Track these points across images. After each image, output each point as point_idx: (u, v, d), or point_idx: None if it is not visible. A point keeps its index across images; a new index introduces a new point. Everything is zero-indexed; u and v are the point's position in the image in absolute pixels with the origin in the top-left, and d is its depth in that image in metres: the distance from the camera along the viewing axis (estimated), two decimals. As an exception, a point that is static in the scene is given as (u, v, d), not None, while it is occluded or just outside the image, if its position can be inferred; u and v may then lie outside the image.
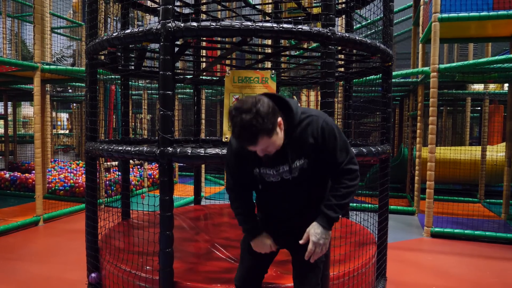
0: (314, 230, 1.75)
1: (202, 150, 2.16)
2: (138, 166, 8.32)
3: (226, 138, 2.30)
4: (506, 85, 7.68)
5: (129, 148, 2.37)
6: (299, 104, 1.82)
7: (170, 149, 2.17)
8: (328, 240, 1.77)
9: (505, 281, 3.41)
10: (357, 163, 1.81)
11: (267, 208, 1.99)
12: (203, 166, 6.92)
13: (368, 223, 3.20)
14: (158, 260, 2.22)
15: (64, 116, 20.11)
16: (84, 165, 8.45)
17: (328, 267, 2.29)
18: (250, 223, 1.92)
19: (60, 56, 13.46)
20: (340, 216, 1.82)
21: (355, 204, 3.98)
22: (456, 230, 4.68)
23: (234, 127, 1.60)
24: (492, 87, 8.01)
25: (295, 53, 4.27)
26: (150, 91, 7.59)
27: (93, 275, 2.80)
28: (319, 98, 2.25)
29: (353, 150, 1.85)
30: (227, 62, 5.52)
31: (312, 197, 1.86)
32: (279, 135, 1.66)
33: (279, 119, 1.65)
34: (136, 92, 7.81)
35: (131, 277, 2.42)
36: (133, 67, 3.46)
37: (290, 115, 1.71)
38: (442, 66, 4.77)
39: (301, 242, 1.78)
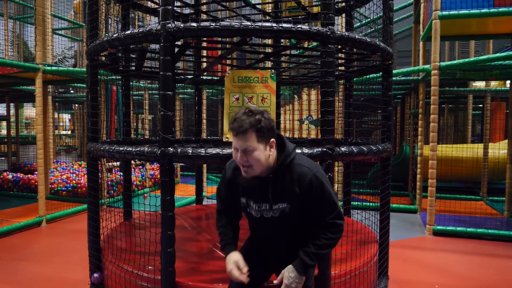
0: (288, 274, 1.78)
1: (202, 150, 2.17)
2: (140, 167, 8.34)
3: (227, 138, 2.30)
4: (508, 82, 7.66)
5: (130, 149, 2.38)
6: (297, 150, 1.83)
7: (171, 149, 2.18)
8: (300, 284, 1.78)
9: (508, 279, 3.41)
10: (343, 217, 1.81)
11: (255, 236, 2.03)
12: (204, 166, 6.93)
13: (370, 221, 3.20)
14: (160, 260, 2.22)
15: (66, 116, 20.16)
16: (86, 166, 8.49)
17: (330, 266, 2.30)
18: (226, 240, 1.92)
19: (61, 57, 13.50)
20: (313, 268, 1.84)
21: (356, 203, 3.97)
22: (458, 228, 4.67)
23: (236, 114, 1.65)
24: (493, 84, 7.98)
25: (296, 52, 4.27)
26: (151, 91, 7.60)
27: (95, 275, 2.81)
28: (320, 97, 2.25)
29: (340, 207, 1.83)
30: (228, 62, 5.53)
31: (293, 237, 1.88)
32: (265, 153, 1.68)
33: (273, 139, 1.69)
34: (137, 92, 7.82)
35: (133, 277, 2.43)
36: (133, 68, 3.47)
37: (282, 152, 1.75)
38: (443, 63, 4.76)
39: (275, 282, 1.82)
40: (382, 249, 2.98)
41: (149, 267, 2.44)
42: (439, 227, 4.74)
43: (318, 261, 1.83)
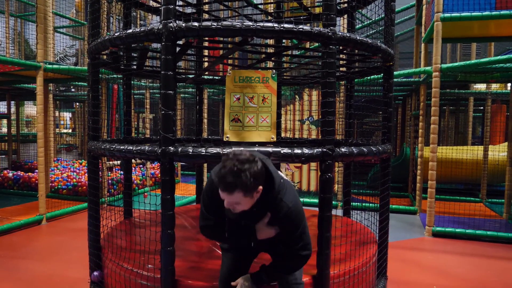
0: (243, 281, 1.93)
1: (203, 150, 2.17)
2: (141, 166, 8.35)
3: (227, 137, 2.31)
4: (509, 84, 7.66)
5: (131, 148, 2.38)
6: (281, 180, 1.87)
7: (172, 149, 2.18)
8: None
9: (506, 281, 3.41)
10: (311, 248, 1.92)
11: (233, 235, 2.03)
12: (205, 165, 6.94)
13: (369, 222, 3.21)
14: (160, 259, 2.23)
15: (67, 115, 20.19)
16: (87, 164, 8.50)
17: (329, 266, 2.30)
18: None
19: (63, 55, 13.51)
20: (269, 283, 1.98)
21: (356, 204, 3.98)
22: (457, 230, 4.68)
23: (222, 168, 1.67)
24: (494, 87, 7.98)
25: (298, 53, 4.27)
26: (152, 91, 7.61)
27: (95, 273, 2.82)
28: (321, 98, 2.26)
29: (309, 239, 1.94)
30: (229, 61, 5.53)
31: (272, 244, 2.00)
32: (252, 200, 1.75)
33: (260, 187, 1.73)
34: (139, 91, 7.84)
35: (133, 275, 2.44)
36: (135, 67, 3.48)
37: (269, 188, 1.79)
38: (444, 65, 4.76)
39: (233, 283, 1.95)
40: (381, 250, 2.99)
41: (149, 266, 2.45)
42: (438, 229, 4.74)
43: (274, 280, 1.97)
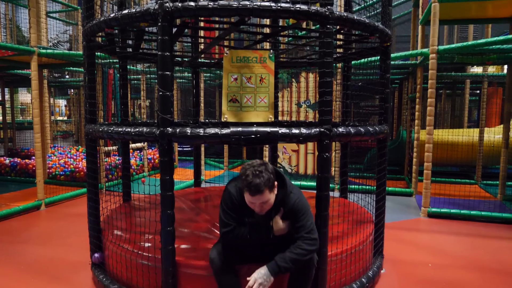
0: (259, 270, 2.06)
1: (201, 130, 2.18)
2: (138, 151, 8.35)
3: (225, 118, 2.31)
4: (505, 67, 7.67)
5: (129, 129, 2.39)
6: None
7: (170, 130, 2.19)
8: (266, 284, 2.04)
9: (499, 259, 3.48)
10: (316, 234, 2.18)
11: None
12: (202, 150, 6.95)
13: (366, 202, 3.25)
14: (160, 239, 2.26)
15: (62, 102, 20.05)
16: (84, 151, 8.48)
17: (326, 244, 2.34)
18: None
19: (56, 41, 13.34)
20: (283, 270, 2.08)
21: (354, 186, 4.02)
22: (452, 210, 4.74)
23: (245, 177, 1.99)
24: (491, 70, 7.99)
25: (299, 33, 4.23)
26: (148, 76, 7.56)
27: (96, 255, 2.85)
28: (318, 80, 2.26)
29: (314, 226, 2.21)
30: (225, 43, 5.49)
31: (280, 243, 2.18)
32: (273, 196, 2.07)
33: (276, 182, 2.08)
34: (134, 77, 7.78)
35: (134, 256, 2.48)
36: (130, 50, 3.45)
37: (282, 185, 2.16)
38: (441, 47, 4.75)
39: (248, 278, 2.06)
40: (377, 229, 3.04)
41: (149, 245, 2.48)
42: (433, 210, 4.80)
43: (288, 265, 2.07)
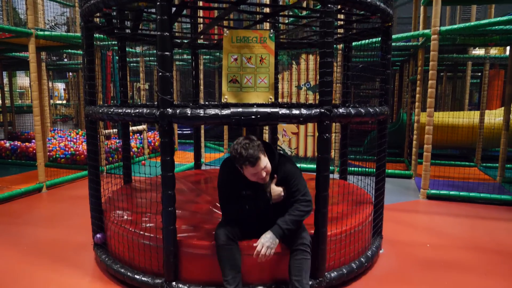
0: (264, 235, 2.18)
1: (201, 111, 2.18)
2: (138, 134, 8.35)
3: (226, 98, 2.30)
4: (507, 48, 7.59)
5: (129, 111, 2.38)
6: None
7: (170, 110, 2.18)
8: (273, 246, 2.15)
9: (497, 239, 3.52)
10: (310, 196, 2.30)
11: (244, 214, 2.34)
12: (202, 132, 6.95)
13: (365, 184, 3.27)
14: (161, 219, 2.28)
15: (61, 86, 19.94)
16: (83, 134, 8.48)
17: (326, 224, 2.37)
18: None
19: (53, 23, 13.17)
20: (286, 231, 2.19)
21: (353, 169, 4.04)
22: (451, 192, 4.77)
23: (238, 154, 2.10)
24: (493, 52, 7.91)
25: (300, 14, 4.17)
26: (147, 58, 7.49)
27: (98, 235, 2.89)
28: (318, 66, 2.24)
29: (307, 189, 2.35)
30: (225, 23, 5.42)
31: (277, 211, 2.29)
32: (267, 158, 2.18)
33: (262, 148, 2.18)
34: (133, 59, 7.71)
35: (136, 236, 2.50)
36: (129, 31, 3.41)
37: (273, 154, 2.30)
38: (443, 28, 4.70)
39: (254, 245, 2.18)
40: (377, 210, 3.06)
41: (151, 225, 2.51)
42: (433, 191, 4.83)
43: (290, 226, 2.19)
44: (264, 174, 2.16)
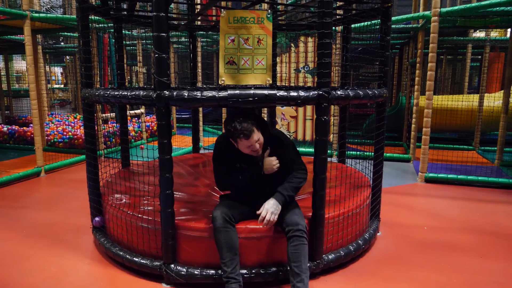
0: (268, 201, 2.26)
1: (198, 93, 2.15)
2: (136, 118, 8.31)
3: (223, 80, 2.28)
4: (508, 30, 7.51)
5: (126, 93, 2.36)
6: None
7: (167, 93, 2.16)
8: (276, 212, 2.23)
9: (493, 221, 3.55)
10: (305, 165, 2.45)
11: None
12: (201, 116, 6.92)
13: (363, 167, 3.27)
14: (159, 202, 2.28)
15: (58, 70, 19.75)
16: (81, 118, 8.44)
17: (324, 206, 2.37)
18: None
19: (49, 6, 12.97)
20: (288, 198, 2.29)
21: (352, 152, 4.04)
22: (449, 176, 4.79)
23: (233, 129, 2.18)
24: (493, 34, 7.82)
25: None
26: (144, 41, 7.40)
27: (96, 218, 2.90)
28: (316, 48, 2.20)
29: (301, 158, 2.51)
30: (223, 4, 5.33)
31: (274, 181, 2.38)
32: (260, 133, 2.25)
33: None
34: (130, 42, 7.61)
35: (134, 219, 2.51)
36: (125, 12, 3.34)
37: (265, 127, 2.35)
38: (443, 9, 4.63)
39: (258, 212, 2.24)
40: (374, 193, 3.07)
41: (149, 208, 2.51)
42: (431, 175, 4.85)
43: (290, 192, 2.31)
44: (257, 146, 2.24)
